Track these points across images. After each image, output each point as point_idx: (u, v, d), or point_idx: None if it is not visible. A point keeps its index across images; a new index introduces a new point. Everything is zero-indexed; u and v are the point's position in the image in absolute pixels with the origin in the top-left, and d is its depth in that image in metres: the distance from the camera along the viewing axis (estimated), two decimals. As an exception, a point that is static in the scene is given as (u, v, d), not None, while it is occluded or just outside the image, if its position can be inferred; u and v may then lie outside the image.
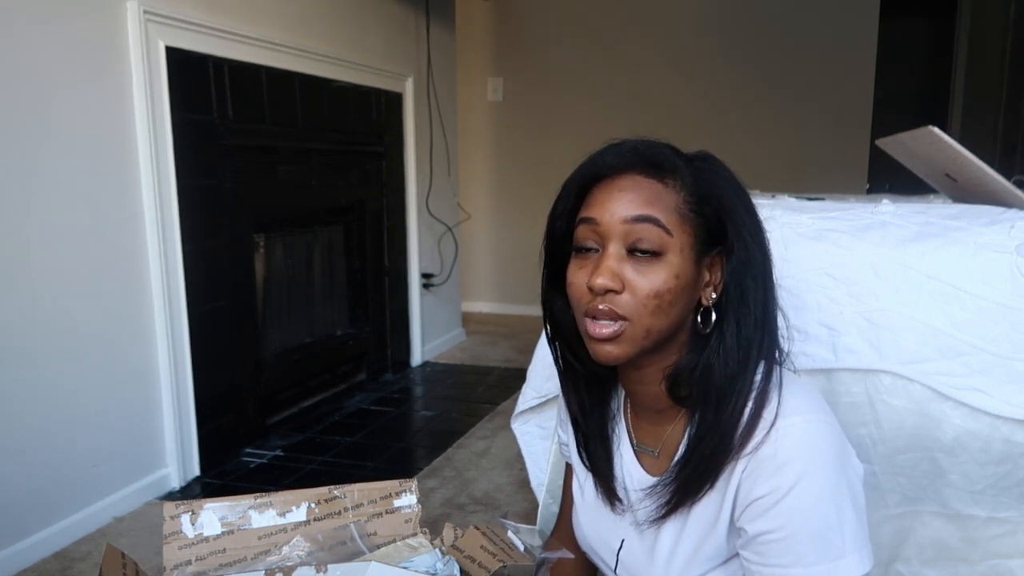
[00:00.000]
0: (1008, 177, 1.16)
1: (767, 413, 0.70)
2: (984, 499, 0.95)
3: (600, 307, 0.71)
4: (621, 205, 0.71)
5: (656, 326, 0.71)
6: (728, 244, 0.72)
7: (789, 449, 0.68)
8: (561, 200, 0.77)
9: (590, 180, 0.74)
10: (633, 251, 0.70)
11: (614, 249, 0.71)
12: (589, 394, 0.85)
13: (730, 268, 0.72)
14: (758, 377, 0.72)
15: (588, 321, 0.72)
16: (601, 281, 0.70)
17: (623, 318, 0.70)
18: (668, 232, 0.70)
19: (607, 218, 0.71)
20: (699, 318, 0.74)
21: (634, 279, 0.70)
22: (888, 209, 1.09)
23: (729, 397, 0.71)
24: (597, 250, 0.72)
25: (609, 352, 0.72)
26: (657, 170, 0.72)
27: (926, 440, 0.95)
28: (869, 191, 3.34)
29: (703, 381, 0.72)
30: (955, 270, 0.94)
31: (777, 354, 0.75)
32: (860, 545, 0.69)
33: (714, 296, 0.73)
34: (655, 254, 0.70)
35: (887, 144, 1.37)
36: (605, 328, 0.71)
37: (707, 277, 0.73)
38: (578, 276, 0.73)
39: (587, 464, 0.87)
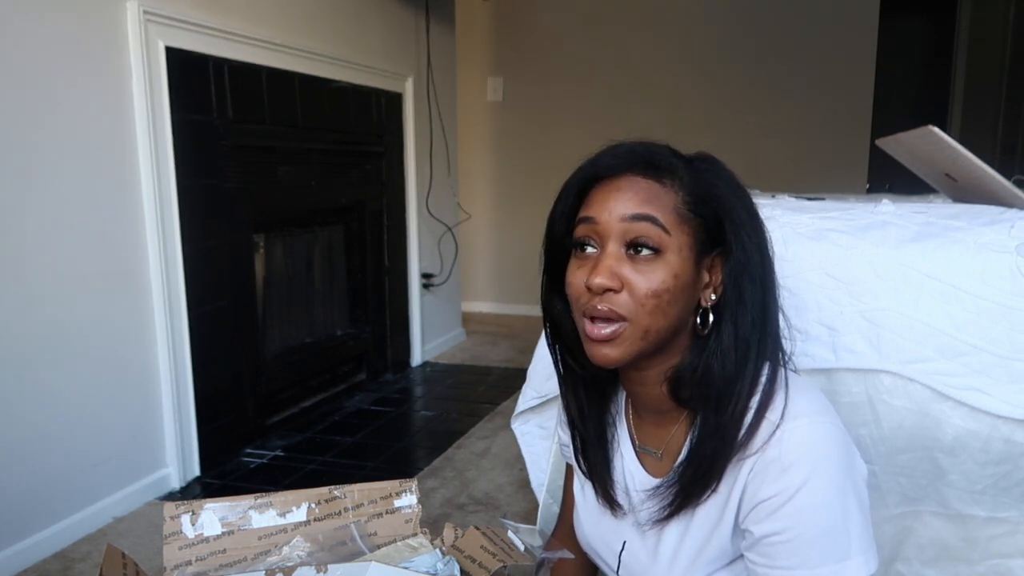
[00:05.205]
0: (1008, 177, 1.16)
1: (771, 414, 0.70)
2: (984, 499, 0.95)
3: (598, 307, 0.70)
4: (619, 204, 0.71)
5: (655, 326, 0.71)
6: (727, 245, 0.72)
7: (795, 451, 0.68)
8: (560, 202, 0.77)
9: (589, 181, 0.74)
10: (633, 248, 0.70)
11: (613, 248, 0.71)
12: (588, 398, 0.84)
13: (728, 269, 0.72)
14: (762, 378, 0.72)
15: (586, 322, 0.72)
16: (599, 280, 0.69)
17: (622, 318, 0.70)
18: (666, 231, 0.70)
19: (605, 217, 0.71)
20: (698, 319, 0.74)
21: (633, 278, 0.70)
22: (888, 209, 1.10)
23: (729, 398, 0.71)
24: (596, 249, 0.72)
25: (606, 355, 0.72)
26: (654, 170, 0.72)
27: (926, 440, 0.95)
28: (869, 191, 3.34)
29: (703, 383, 0.72)
30: (955, 270, 0.94)
31: (780, 355, 0.75)
32: (866, 546, 0.69)
33: (713, 297, 0.73)
34: (655, 252, 0.70)
35: (887, 144, 1.37)
36: (603, 329, 0.71)
37: (706, 278, 0.73)
38: (577, 275, 0.73)
39: (584, 470, 0.87)
